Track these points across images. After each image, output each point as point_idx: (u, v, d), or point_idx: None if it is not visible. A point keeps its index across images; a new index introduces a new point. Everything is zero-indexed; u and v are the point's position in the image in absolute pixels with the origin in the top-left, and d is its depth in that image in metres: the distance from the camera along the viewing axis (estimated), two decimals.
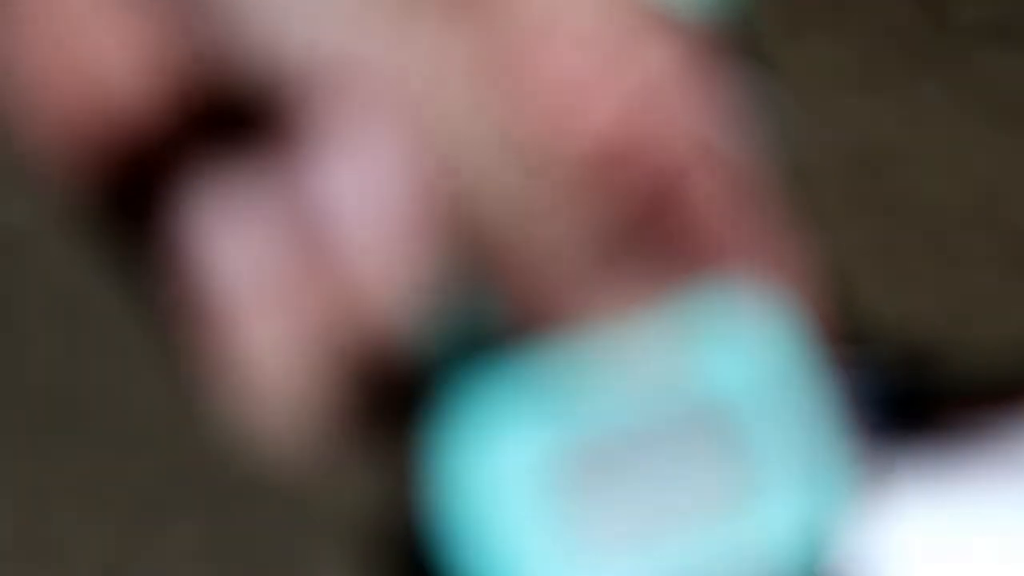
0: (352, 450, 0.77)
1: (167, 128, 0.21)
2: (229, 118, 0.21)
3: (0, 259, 0.86)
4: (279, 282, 0.20)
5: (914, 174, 1.64)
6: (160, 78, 0.22)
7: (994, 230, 1.62)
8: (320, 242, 0.20)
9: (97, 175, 0.22)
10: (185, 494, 0.79)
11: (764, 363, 0.25)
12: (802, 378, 0.25)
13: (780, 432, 0.25)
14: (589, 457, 0.23)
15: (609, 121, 0.22)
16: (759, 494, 0.24)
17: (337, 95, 0.21)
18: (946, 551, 0.28)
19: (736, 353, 0.24)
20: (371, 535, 0.75)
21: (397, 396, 0.22)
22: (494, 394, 0.23)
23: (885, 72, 1.73)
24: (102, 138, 0.22)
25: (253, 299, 0.20)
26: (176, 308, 0.21)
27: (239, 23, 0.21)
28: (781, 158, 0.44)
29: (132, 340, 1.19)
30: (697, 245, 0.23)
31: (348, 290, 0.21)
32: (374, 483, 0.77)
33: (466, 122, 0.21)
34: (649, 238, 0.22)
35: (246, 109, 0.21)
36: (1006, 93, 1.73)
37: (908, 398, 0.29)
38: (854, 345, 0.31)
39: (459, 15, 0.21)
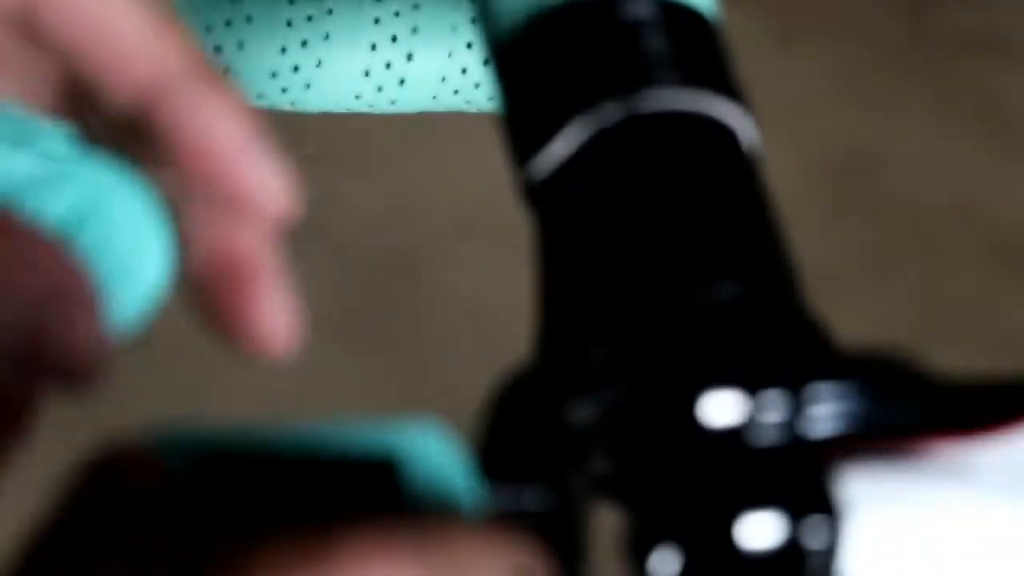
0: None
1: None
2: None
3: None
4: None
5: (898, 178, 1.65)
6: None
7: (976, 232, 1.62)
8: None
9: None
10: None
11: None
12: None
13: None
14: None
15: None
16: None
17: None
18: (914, 567, 0.29)
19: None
20: None
21: None
22: None
23: (870, 80, 1.74)
24: None
25: None
26: None
27: None
28: (764, 166, 0.44)
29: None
30: None
31: None
32: None
33: None
34: None
35: None
36: (987, 99, 1.74)
37: (886, 416, 0.30)
38: (836, 360, 0.31)
39: None
